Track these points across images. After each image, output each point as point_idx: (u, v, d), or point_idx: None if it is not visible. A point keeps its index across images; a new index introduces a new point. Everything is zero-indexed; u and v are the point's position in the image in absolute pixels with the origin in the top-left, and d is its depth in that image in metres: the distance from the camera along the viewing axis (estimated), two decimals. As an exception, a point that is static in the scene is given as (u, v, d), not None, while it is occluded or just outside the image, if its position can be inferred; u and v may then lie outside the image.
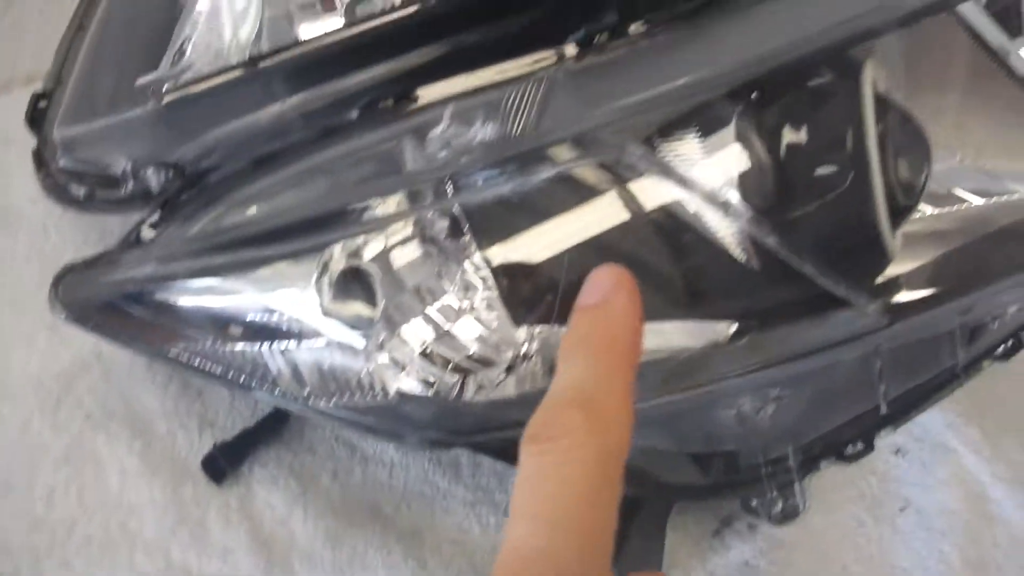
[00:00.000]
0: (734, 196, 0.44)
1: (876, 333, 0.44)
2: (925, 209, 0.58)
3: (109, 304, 0.46)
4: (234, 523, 0.55)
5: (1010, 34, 0.56)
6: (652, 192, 0.44)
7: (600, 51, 0.49)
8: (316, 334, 0.44)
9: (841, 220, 0.46)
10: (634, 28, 0.50)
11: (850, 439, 0.51)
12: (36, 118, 0.55)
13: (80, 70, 0.54)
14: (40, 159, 0.54)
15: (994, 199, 0.58)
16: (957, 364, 0.53)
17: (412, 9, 0.52)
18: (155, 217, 0.48)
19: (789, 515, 0.50)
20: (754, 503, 0.50)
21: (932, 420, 0.60)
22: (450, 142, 0.46)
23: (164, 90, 0.51)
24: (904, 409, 0.52)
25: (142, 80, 0.51)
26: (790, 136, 0.46)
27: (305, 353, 0.44)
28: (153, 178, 0.54)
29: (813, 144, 0.46)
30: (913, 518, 0.57)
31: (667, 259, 0.45)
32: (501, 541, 0.31)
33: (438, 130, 0.47)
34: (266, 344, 0.44)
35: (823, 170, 0.46)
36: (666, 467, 0.49)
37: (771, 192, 0.45)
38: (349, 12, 0.67)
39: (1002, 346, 0.55)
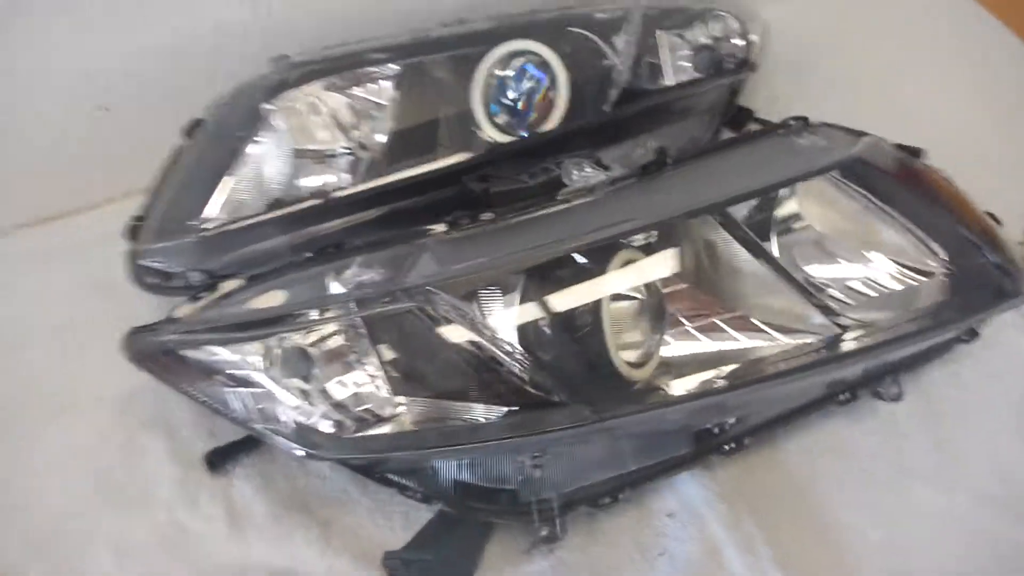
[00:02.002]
0: (513, 336, 0.72)
1: (589, 425, 0.71)
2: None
3: (151, 354, 0.78)
4: (217, 500, 0.85)
5: (760, 238, 0.83)
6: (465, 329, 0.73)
7: (460, 229, 0.79)
8: (260, 386, 0.75)
9: (585, 350, 0.73)
10: (485, 216, 0.80)
11: (603, 493, 0.77)
12: (132, 233, 0.89)
13: (158, 207, 0.88)
14: (131, 259, 0.88)
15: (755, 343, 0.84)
16: (685, 454, 0.79)
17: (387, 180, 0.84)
18: (185, 304, 0.80)
19: (549, 541, 0.76)
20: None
21: (696, 494, 0.84)
22: (356, 279, 0.77)
23: (202, 228, 0.84)
24: (642, 479, 0.78)
25: (191, 221, 0.84)
26: (555, 300, 0.74)
27: (251, 396, 0.75)
28: (194, 277, 0.87)
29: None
30: (667, 562, 0.81)
31: (472, 365, 0.73)
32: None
33: (350, 272, 0.77)
34: (232, 389, 0.75)
35: (578, 320, 0.74)
36: (470, 496, 0.77)
37: (543, 332, 0.73)
38: (353, 170, 0.97)
39: (726, 446, 0.80)
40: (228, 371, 0.76)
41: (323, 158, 0.97)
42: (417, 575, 0.76)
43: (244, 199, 0.90)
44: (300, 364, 0.78)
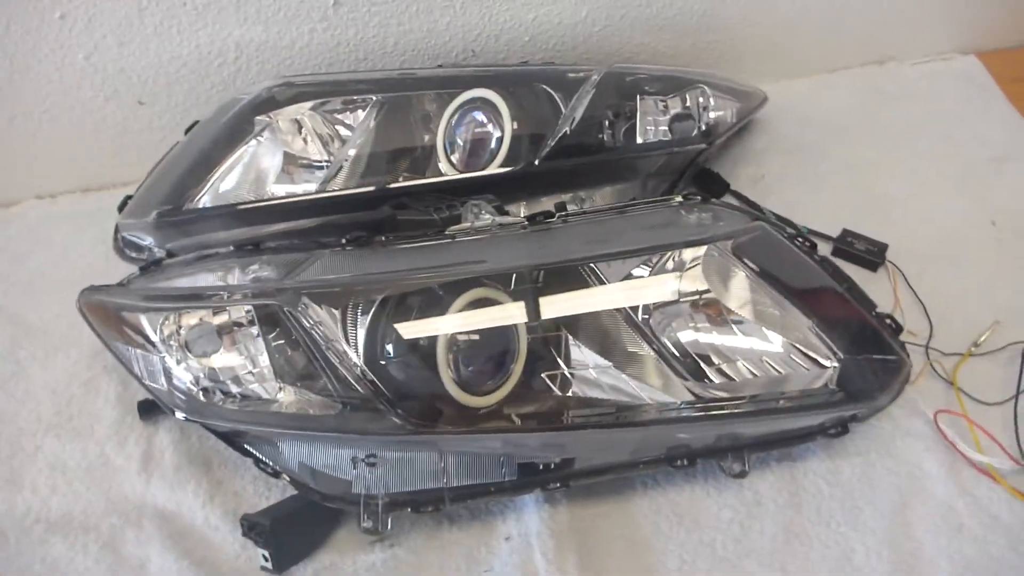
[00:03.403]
0: (360, 348, 0.82)
1: (408, 435, 0.80)
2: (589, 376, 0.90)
3: (92, 309, 0.94)
4: (141, 442, 1.00)
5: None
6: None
7: (358, 246, 0.90)
8: (160, 352, 0.89)
9: (420, 373, 0.82)
10: (377, 239, 0.90)
11: (426, 501, 0.85)
12: (121, 208, 1.06)
13: (142, 190, 1.05)
14: (115, 231, 1.06)
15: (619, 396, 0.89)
16: (505, 482, 0.85)
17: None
18: (135, 275, 0.96)
19: (372, 532, 0.85)
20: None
21: (533, 524, 0.90)
22: (254, 274, 0.89)
23: (159, 214, 1.00)
24: (463, 496, 0.85)
25: (160, 209, 1.00)
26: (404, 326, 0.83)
27: (146, 359, 0.89)
28: (158, 252, 1.03)
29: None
30: (488, 578, 0.89)
31: (321, 366, 0.84)
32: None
33: (253, 267, 0.90)
34: (137, 350, 0.89)
35: (419, 345, 0.83)
36: (310, 477, 0.87)
37: (382, 349, 0.83)
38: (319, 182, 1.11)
39: (551, 484, 0.86)
40: (143, 334, 0.91)
41: (298, 169, 1.11)
42: (258, 537, 0.87)
43: (224, 192, 1.05)
44: (205, 341, 0.91)
